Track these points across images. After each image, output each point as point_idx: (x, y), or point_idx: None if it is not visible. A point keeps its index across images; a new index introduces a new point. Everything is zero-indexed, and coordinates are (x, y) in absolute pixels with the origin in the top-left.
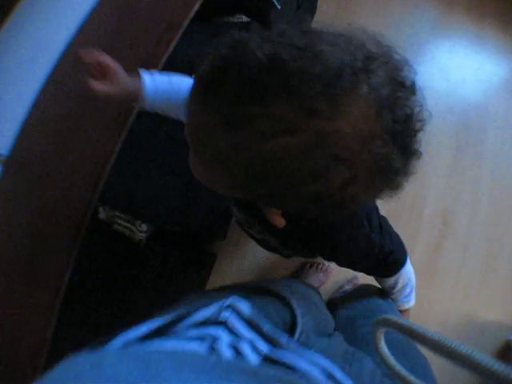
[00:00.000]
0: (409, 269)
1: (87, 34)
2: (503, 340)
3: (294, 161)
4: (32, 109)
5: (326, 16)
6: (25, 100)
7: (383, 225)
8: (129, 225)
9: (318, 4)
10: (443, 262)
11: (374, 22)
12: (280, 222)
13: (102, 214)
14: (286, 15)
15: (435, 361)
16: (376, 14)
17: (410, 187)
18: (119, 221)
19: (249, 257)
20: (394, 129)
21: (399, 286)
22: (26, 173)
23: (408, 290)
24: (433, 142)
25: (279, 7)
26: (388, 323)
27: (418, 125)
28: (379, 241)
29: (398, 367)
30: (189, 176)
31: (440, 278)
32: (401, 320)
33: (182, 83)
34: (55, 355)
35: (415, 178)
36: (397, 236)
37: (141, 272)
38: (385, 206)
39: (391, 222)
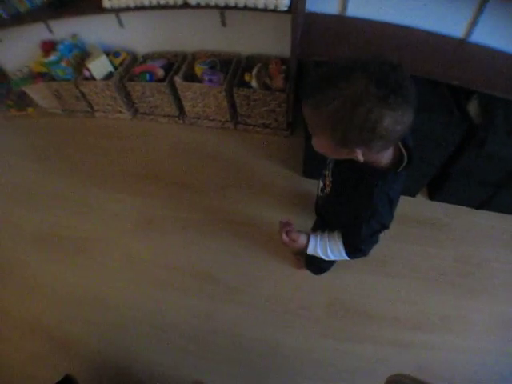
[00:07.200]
0: (342, 256)
1: None
2: None
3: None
4: None
5: None
6: None
7: (380, 223)
8: None
9: None
10: None
11: None
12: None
13: None
14: None
15: None
16: None
17: None
18: None
19: None
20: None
21: (331, 248)
22: None
23: (322, 251)
24: None
25: None
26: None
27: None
28: (372, 220)
29: None
30: None
31: None
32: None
33: None
34: None
35: None
36: (373, 240)
37: None
38: None
39: None
